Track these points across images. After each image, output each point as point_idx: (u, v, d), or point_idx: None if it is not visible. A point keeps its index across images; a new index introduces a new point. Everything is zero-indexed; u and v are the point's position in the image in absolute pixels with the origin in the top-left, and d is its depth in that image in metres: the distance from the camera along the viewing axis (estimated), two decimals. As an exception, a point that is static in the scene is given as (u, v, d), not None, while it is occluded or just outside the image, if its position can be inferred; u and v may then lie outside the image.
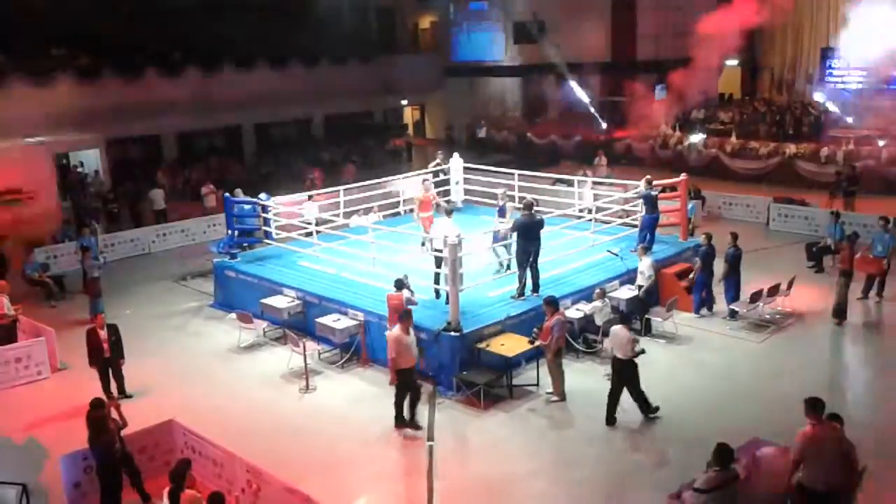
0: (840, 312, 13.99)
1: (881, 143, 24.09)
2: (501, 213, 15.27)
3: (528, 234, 12.99)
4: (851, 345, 13.55)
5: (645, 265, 13.89)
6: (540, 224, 13.16)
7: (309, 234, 16.11)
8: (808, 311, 14.62)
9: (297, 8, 31.77)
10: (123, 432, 9.18)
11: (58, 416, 11.56)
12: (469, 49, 38.32)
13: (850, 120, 27.12)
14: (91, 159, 26.99)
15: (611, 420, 10.83)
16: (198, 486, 8.23)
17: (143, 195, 23.76)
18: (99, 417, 8.90)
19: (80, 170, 26.95)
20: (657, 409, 10.93)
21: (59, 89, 26.57)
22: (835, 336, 13.74)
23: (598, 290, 13.14)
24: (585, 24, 32.57)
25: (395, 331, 10.77)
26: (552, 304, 11.54)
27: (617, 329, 10.76)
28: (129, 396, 11.87)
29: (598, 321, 12.84)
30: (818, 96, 29.13)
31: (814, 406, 7.82)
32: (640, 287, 13.88)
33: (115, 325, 12.20)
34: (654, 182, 15.63)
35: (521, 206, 13.76)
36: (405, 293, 12.12)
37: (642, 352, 10.78)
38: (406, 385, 10.86)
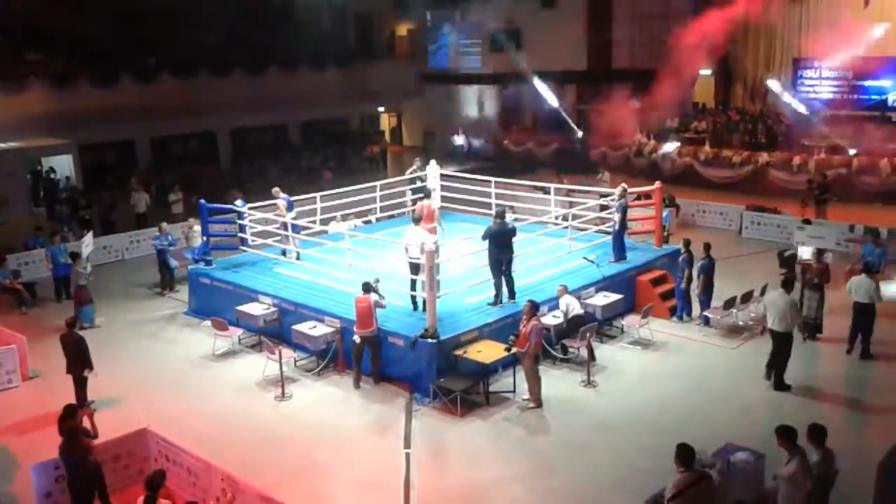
0: (812, 327, 13.72)
1: (852, 151, 24.46)
2: (290, 207, 16.21)
3: (499, 242, 13.01)
4: (823, 351, 13.67)
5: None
6: (511, 232, 13.17)
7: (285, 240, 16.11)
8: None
9: (274, 13, 31.70)
10: (94, 442, 9.05)
11: (29, 425, 11.40)
12: (446, 57, 38.45)
13: (821, 129, 27.49)
14: (63, 165, 26.70)
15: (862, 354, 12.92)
16: (173, 495, 8.15)
17: (119, 201, 23.57)
18: (74, 427, 8.78)
19: (52, 175, 26.65)
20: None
21: (32, 94, 26.29)
22: (807, 342, 13.81)
23: (560, 287, 13.20)
24: (561, 33, 32.79)
25: (779, 294, 11.88)
26: (533, 308, 11.57)
27: (861, 278, 12.71)
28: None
29: (576, 311, 12.94)
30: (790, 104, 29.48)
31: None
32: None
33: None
34: (630, 190, 15.77)
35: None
36: (373, 296, 12.17)
37: (880, 299, 12.70)
38: (782, 349, 11.88)
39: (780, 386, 11.93)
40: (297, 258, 15.90)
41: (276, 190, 16.49)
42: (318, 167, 30.26)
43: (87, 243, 16.78)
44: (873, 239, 15.43)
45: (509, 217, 14.79)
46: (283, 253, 16.16)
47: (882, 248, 15.31)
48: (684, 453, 7.42)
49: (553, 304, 13.47)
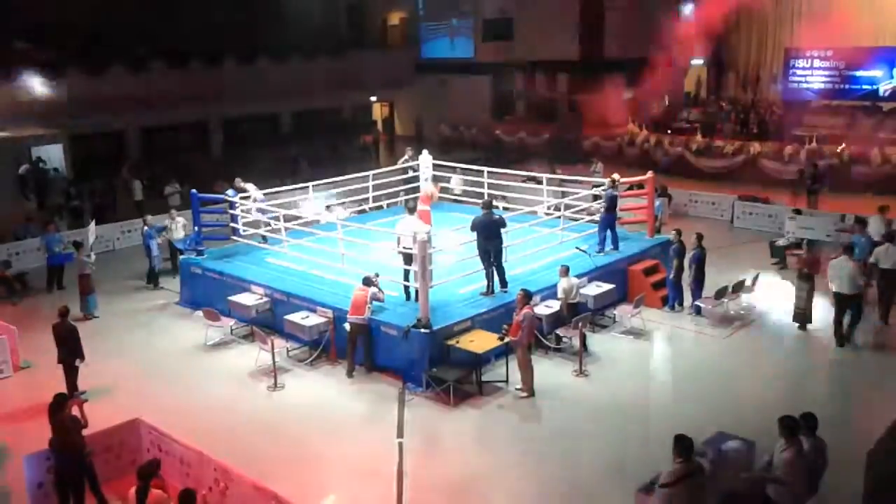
0: (802, 317, 13.78)
1: (842, 143, 24.51)
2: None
3: (485, 233, 13.02)
4: (814, 341, 13.72)
5: None
6: (498, 222, 13.18)
7: (276, 231, 16.07)
8: (772, 308, 14.84)
9: (265, 3, 31.53)
10: (83, 432, 9.01)
11: (20, 416, 11.37)
12: (438, 46, 38.35)
13: (813, 119, 27.56)
14: (54, 155, 26.55)
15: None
16: (166, 485, 8.13)
17: (111, 191, 23.51)
18: (67, 418, 8.75)
19: (41, 165, 26.50)
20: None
21: (21, 83, 26.11)
22: (797, 332, 13.90)
23: (560, 268, 13.24)
24: (554, 23, 32.73)
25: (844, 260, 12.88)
26: (526, 296, 11.59)
27: (886, 247, 13.63)
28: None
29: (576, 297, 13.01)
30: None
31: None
32: None
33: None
34: (622, 180, 15.76)
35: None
36: (372, 290, 12.23)
37: None
38: (843, 309, 12.92)
39: (845, 341, 13.02)
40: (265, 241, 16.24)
41: (238, 180, 16.89)
42: (300, 158, 30.00)
43: (91, 232, 16.66)
44: (862, 228, 15.46)
45: (498, 207, 14.82)
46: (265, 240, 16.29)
47: (867, 237, 15.36)
48: (683, 444, 7.42)
49: (545, 293, 13.50)
